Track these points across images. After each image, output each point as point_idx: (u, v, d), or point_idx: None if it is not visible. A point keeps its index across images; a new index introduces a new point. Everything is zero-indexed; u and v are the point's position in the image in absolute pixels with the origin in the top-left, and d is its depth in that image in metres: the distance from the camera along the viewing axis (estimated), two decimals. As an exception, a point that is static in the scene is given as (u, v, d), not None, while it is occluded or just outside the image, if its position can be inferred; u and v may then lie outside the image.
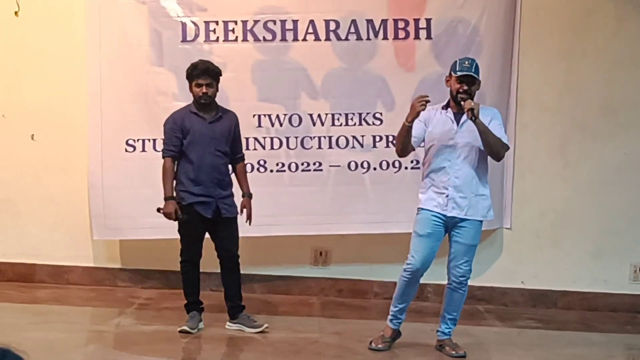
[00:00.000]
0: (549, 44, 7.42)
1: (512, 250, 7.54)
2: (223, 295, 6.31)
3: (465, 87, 5.53)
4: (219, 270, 6.31)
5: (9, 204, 7.49)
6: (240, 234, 6.21)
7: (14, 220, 7.50)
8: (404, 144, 5.66)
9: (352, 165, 7.11)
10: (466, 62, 5.59)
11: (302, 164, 7.09)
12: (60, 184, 7.43)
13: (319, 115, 7.06)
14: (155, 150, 6.88)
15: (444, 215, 5.65)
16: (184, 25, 6.95)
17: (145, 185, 6.86)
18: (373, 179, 7.12)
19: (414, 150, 5.85)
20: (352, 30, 7.01)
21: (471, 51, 7.04)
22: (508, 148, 5.76)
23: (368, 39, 7.03)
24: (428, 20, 7.05)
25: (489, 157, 5.75)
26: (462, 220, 5.68)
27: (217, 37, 6.96)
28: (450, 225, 5.71)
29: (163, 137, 6.15)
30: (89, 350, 5.79)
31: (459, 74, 5.55)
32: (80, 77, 7.07)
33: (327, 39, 7.02)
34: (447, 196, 5.64)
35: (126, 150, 7.02)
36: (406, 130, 5.55)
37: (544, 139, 7.50)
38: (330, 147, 7.09)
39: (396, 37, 7.05)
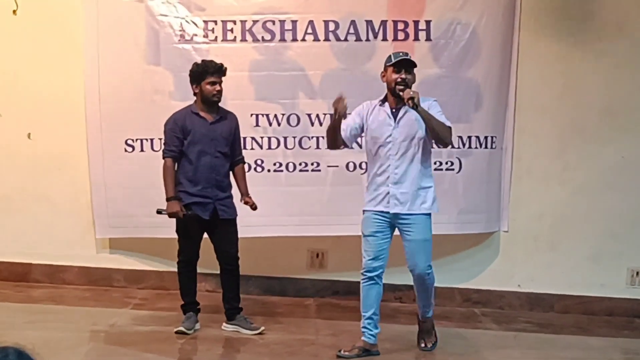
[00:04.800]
0: (548, 47, 7.40)
1: (509, 253, 7.52)
2: (220, 297, 6.30)
3: (404, 75, 5.50)
4: (216, 271, 6.31)
5: (5, 202, 7.47)
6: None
7: (10, 219, 7.47)
8: (332, 139, 5.71)
9: (350, 166, 7.09)
10: (401, 53, 5.62)
11: (300, 164, 7.06)
12: (56, 183, 7.41)
13: (317, 116, 7.03)
14: (153, 150, 6.89)
15: (387, 213, 5.62)
16: (182, 24, 6.93)
17: (145, 185, 6.83)
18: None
19: (347, 147, 5.82)
20: (352, 31, 6.98)
21: (470, 53, 7.05)
22: (451, 131, 5.66)
23: (367, 40, 7.00)
24: (427, 22, 7.02)
25: (431, 150, 5.73)
26: (407, 215, 5.62)
27: (216, 37, 6.94)
28: (395, 222, 5.66)
29: (163, 137, 6.14)
30: (85, 350, 5.77)
31: (395, 60, 5.54)
32: (77, 76, 7.06)
33: (326, 39, 6.99)
34: (388, 193, 5.61)
35: (125, 150, 7.02)
36: (334, 127, 5.60)
37: (542, 142, 7.48)
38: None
39: (395, 39, 7.02)
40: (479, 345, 6.36)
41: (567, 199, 7.52)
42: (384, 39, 7.01)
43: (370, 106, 5.72)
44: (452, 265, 7.24)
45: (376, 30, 7.00)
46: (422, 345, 5.96)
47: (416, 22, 7.01)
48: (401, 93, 5.46)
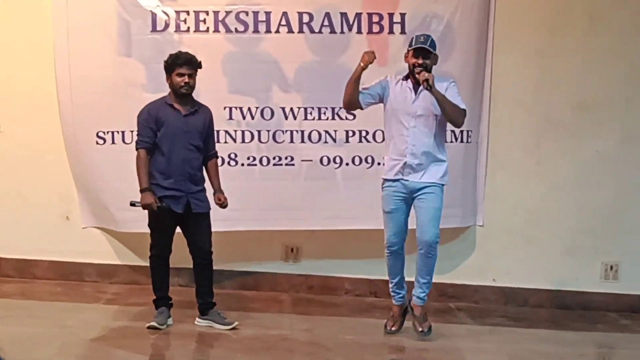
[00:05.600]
0: (523, 40, 7.41)
1: (484, 247, 7.52)
2: (193, 291, 6.24)
3: (421, 61, 5.86)
4: (188, 266, 6.24)
5: (-25, 196, 7.37)
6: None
7: (-20, 213, 7.37)
8: (351, 93, 5.96)
9: (325, 160, 7.05)
10: (422, 37, 5.96)
11: (274, 158, 7.02)
12: (27, 176, 7.31)
13: (291, 109, 6.99)
14: (124, 142, 6.81)
15: (403, 181, 5.95)
16: (154, 14, 6.84)
17: (117, 178, 6.77)
18: (345, 174, 7.06)
19: (360, 108, 6.09)
20: (326, 23, 6.94)
21: (445, 47, 6.99)
22: (465, 114, 6.04)
23: (342, 32, 6.97)
24: (402, 15, 7.00)
25: (447, 124, 6.06)
26: (421, 186, 5.94)
27: (188, 28, 6.86)
28: (411, 193, 5.98)
29: (136, 128, 6.06)
30: (56, 345, 5.68)
31: (414, 46, 5.90)
32: (48, 68, 6.96)
33: (300, 31, 6.94)
34: (405, 163, 5.94)
35: (97, 143, 6.92)
36: (358, 75, 5.89)
37: (517, 136, 7.49)
38: (302, 141, 7.03)
39: (370, 31, 6.99)
40: (454, 340, 6.33)
41: (541, 193, 7.53)
42: (359, 31, 6.98)
43: (393, 79, 6.09)
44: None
45: (351, 23, 6.97)
46: (420, 329, 6.14)
47: (391, 15, 6.99)
48: (417, 75, 5.83)
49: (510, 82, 7.38)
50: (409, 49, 5.95)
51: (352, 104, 6.06)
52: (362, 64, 5.86)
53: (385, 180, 6.04)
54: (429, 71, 5.87)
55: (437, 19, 7.04)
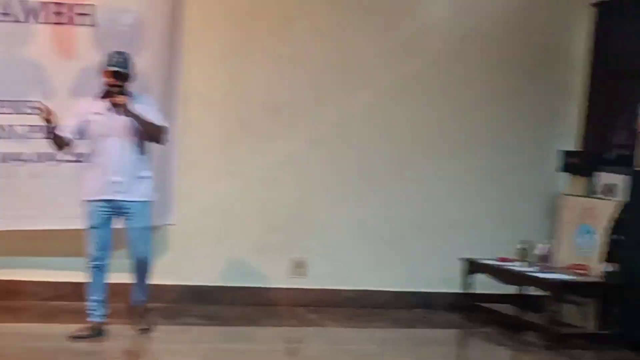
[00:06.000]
0: (215, 40, 7.43)
1: (176, 247, 7.45)
2: None
3: (116, 82, 5.87)
4: None
5: None
6: None
7: None
8: (58, 145, 5.95)
9: (6, 157, 6.68)
10: (120, 57, 5.94)
11: None
12: None
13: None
14: None
15: (109, 201, 5.94)
16: None
17: None
18: (28, 172, 6.71)
19: (72, 142, 5.98)
20: (5, 10, 6.55)
21: (135, 42, 6.85)
22: (166, 130, 6.12)
23: (24, 21, 6.61)
24: (90, 7, 6.75)
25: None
26: (127, 205, 5.99)
27: None
28: (117, 209, 6.00)
29: None
30: None
31: (110, 69, 5.88)
32: None
33: (-23, 19, 6.51)
34: (108, 181, 5.91)
35: None
36: (55, 137, 5.83)
37: (209, 135, 7.50)
38: (-19, 136, 6.59)
39: (56, 22, 6.68)
40: (148, 341, 6.23)
41: (233, 193, 7.61)
42: (43, 21, 6.64)
43: (89, 102, 5.99)
44: (120, 260, 6.96)
45: (33, 12, 6.61)
46: (139, 328, 6.29)
47: (78, 6, 6.72)
48: (112, 98, 5.85)
49: (202, 82, 7.37)
50: (104, 68, 5.90)
51: (64, 148, 6.01)
52: (52, 129, 5.76)
53: (90, 201, 5.97)
54: (124, 91, 5.88)
55: (128, 13, 6.86)
